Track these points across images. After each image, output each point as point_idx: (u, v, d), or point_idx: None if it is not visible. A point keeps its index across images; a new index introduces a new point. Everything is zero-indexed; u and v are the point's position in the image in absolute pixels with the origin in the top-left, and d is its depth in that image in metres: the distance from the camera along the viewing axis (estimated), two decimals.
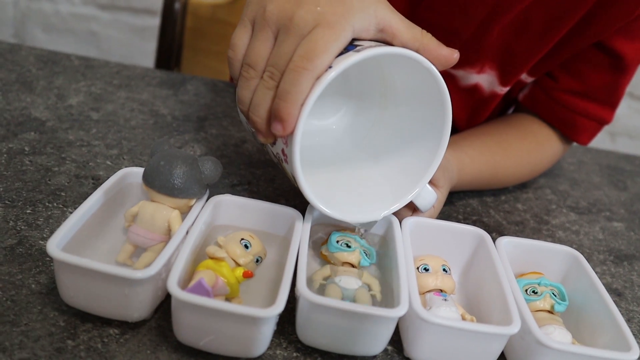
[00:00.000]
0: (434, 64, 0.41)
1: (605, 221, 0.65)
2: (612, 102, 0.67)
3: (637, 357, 0.39)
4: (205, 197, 0.44)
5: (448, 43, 0.60)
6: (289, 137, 0.39)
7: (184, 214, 0.42)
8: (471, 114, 0.69)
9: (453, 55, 0.42)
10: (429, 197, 0.47)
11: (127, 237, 0.41)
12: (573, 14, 0.59)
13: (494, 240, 0.48)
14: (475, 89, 0.66)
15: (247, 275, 0.40)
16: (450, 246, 0.49)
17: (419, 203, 0.47)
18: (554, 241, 0.58)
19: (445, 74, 0.65)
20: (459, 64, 0.64)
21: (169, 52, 1.05)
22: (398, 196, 0.46)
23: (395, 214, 0.47)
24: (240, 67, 0.40)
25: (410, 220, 0.48)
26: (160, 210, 0.41)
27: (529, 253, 0.49)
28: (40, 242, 0.44)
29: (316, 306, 0.36)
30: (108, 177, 0.45)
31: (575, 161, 0.79)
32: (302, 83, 0.37)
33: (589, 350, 0.39)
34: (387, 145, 0.49)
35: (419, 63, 0.40)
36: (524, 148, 0.66)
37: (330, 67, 0.38)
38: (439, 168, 0.47)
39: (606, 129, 1.49)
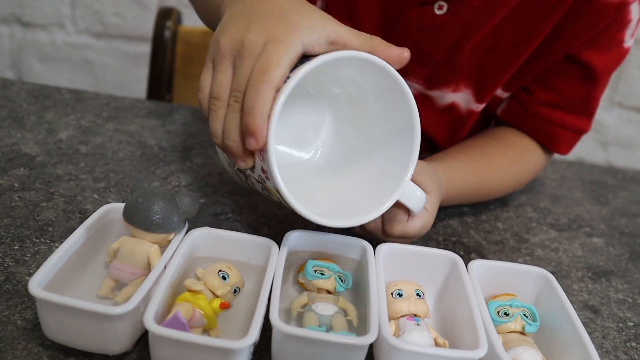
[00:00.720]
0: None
1: (585, 237, 0.66)
2: (588, 112, 0.68)
3: None
4: (184, 230, 0.46)
5: (422, 65, 0.62)
6: (264, 152, 0.40)
7: (164, 248, 0.44)
8: (451, 132, 0.70)
9: (404, 53, 0.45)
10: (416, 197, 0.48)
11: (109, 271, 0.43)
12: (540, 29, 0.62)
13: (472, 259, 0.49)
14: (452, 107, 0.68)
15: (224, 307, 0.41)
16: (424, 271, 0.50)
17: (409, 204, 0.48)
18: (532, 259, 0.60)
19: (421, 96, 0.67)
20: (435, 85, 0.66)
21: (160, 79, 1.07)
22: (383, 198, 0.47)
23: (389, 223, 0.49)
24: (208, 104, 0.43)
25: (385, 247, 0.49)
26: (140, 245, 0.43)
27: (502, 275, 0.50)
28: (27, 278, 0.46)
29: (288, 336, 0.38)
30: (95, 211, 0.46)
31: (558, 177, 0.80)
32: (264, 95, 0.40)
33: None
34: (366, 151, 0.51)
35: (373, 62, 0.42)
36: (507, 159, 0.68)
37: (288, 78, 0.41)
38: (424, 174, 0.49)
39: (598, 139, 1.51)
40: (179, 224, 0.44)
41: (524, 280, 0.50)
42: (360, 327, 0.44)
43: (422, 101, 0.67)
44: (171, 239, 0.44)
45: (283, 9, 0.43)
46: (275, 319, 0.38)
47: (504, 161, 0.67)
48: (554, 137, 0.68)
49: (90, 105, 0.77)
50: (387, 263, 0.49)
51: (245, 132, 0.40)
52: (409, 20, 0.62)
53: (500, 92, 0.68)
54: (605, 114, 1.50)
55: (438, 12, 0.61)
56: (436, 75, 0.65)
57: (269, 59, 0.40)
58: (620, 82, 1.46)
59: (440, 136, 0.71)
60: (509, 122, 0.70)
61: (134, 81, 1.44)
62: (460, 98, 0.67)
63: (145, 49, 1.40)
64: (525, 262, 0.58)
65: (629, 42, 0.64)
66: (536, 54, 0.63)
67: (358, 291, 0.48)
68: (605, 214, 0.72)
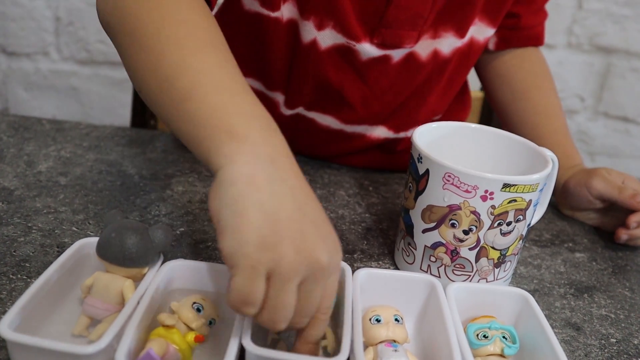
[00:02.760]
0: None
1: (567, 253, 0.66)
2: (544, 2, 0.78)
3: None
4: (159, 263, 0.45)
5: (414, 27, 0.67)
6: None
7: (138, 282, 0.44)
8: (436, 79, 0.73)
9: None
10: None
11: (83, 309, 0.43)
12: None
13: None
14: (435, 54, 0.71)
15: (199, 340, 0.41)
16: (403, 295, 0.50)
17: None
18: (514, 277, 0.60)
19: (410, 56, 0.69)
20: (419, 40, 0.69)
21: (144, 105, 1.07)
22: None
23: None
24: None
25: (362, 272, 0.49)
26: (114, 281, 0.43)
27: (481, 297, 0.50)
28: (2, 316, 0.45)
29: (259, 357, 0.38)
30: (72, 243, 0.46)
31: None
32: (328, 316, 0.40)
33: None
34: None
35: None
36: (548, 90, 0.79)
37: None
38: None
39: (585, 149, 1.51)
40: (152, 257, 0.44)
41: (503, 302, 0.50)
42: (336, 352, 0.43)
43: (410, 60, 0.70)
44: (145, 273, 0.44)
45: (319, 213, 0.40)
46: (247, 342, 0.38)
47: (554, 93, 0.78)
48: (541, 34, 0.79)
49: (70, 135, 0.77)
50: (365, 288, 0.48)
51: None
52: None
53: (485, 30, 0.73)
54: (590, 124, 1.51)
55: None
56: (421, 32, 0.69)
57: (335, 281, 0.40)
58: (604, 92, 1.47)
59: (432, 90, 0.74)
60: (505, 48, 0.78)
61: (120, 106, 1.44)
62: (442, 43, 0.70)
63: None
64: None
65: None
66: None
67: (337, 316, 0.48)
68: (588, 228, 0.72)
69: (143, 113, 1.07)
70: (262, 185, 0.37)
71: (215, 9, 0.74)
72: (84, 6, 1.36)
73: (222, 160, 0.38)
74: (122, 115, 1.45)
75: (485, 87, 0.83)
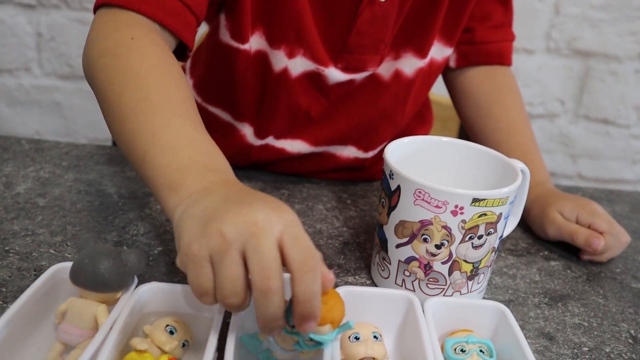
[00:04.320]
0: None
1: (543, 261, 0.67)
2: (510, 22, 0.80)
3: None
4: (133, 286, 0.46)
5: (377, 53, 0.69)
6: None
7: (112, 306, 0.44)
8: (403, 100, 0.75)
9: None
10: None
11: (57, 335, 0.43)
12: None
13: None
14: (397, 75, 0.72)
15: None
16: (382, 312, 0.50)
17: None
18: (490, 288, 0.60)
19: (373, 78, 0.71)
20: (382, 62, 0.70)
21: None
22: None
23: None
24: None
25: (341, 290, 0.50)
26: (88, 306, 0.43)
27: (458, 311, 0.51)
28: None
29: None
30: (50, 266, 0.47)
31: None
32: (319, 277, 0.37)
33: None
34: None
35: None
36: (515, 108, 0.78)
37: None
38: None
39: (567, 152, 1.53)
40: (126, 281, 0.44)
41: (480, 315, 0.51)
42: None
43: (374, 82, 0.72)
44: (119, 297, 0.44)
45: (271, 202, 0.40)
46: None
47: (519, 109, 0.78)
48: (504, 52, 0.79)
49: (50, 155, 0.77)
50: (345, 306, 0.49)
51: (304, 318, 0.37)
52: (363, 17, 0.65)
53: (444, 50, 0.74)
54: (571, 127, 1.52)
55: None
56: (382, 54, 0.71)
57: (308, 244, 0.37)
58: (584, 95, 1.49)
59: (398, 110, 0.75)
60: (466, 65, 0.79)
61: (104, 121, 1.44)
62: (404, 63, 0.72)
63: None
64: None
65: None
66: (457, 0, 0.71)
67: None
68: None
69: None
70: (191, 206, 0.41)
71: (200, 41, 0.75)
72: (65, 21, 1.37)
73: (170, 213, 0.43)
74: (106, 130, 1.45)
75: (453, 103, 0.84)
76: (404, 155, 0.59)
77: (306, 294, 0.36)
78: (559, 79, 1.46)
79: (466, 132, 0.84)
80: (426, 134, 0.88)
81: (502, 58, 0.79)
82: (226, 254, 0.37)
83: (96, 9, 0.57)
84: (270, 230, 0.37)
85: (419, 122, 0.85)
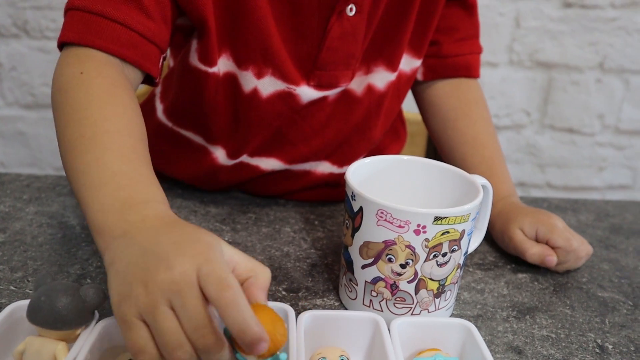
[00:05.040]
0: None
1: (510, 274, 0.67)
2: (477, 35, 0.81)
3: None
4: (94, 322, 0.45)
5: (348, 67, 0.69)
6: None
7: (72, 343, 0.43)
8: (374, 112, 0.75)
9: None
10: None
11: None
12: None
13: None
14: (369, 89, 0.73)
15: None
16: (349, 335, 0.50)
17: None
18: (458, 304, 0.60)
19: (346, 94, 0.72)
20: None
21: None
22: None
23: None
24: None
25: (307, 315, 0.49)
26: (46, 345, 0.42)
27: (425, 330, 0.51)
28: None
29: None
30: (10, 303, 0.45)
31: None
32: (242, 304, 0.37)
33: None
34: None
35: None
36: (481, 121, 0.79)
37: None
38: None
39: (535, 162, 1.55)
40: (85, 318, 0.43)
41: (447, 333, 0.51)
42: None
43: (346, 97, 0.73)
44: (79, 334, 0.43)
45: (183, 236, 0.41)
46: None
47: (484, 122, 0.79)
48: (472, 65, 0.80)
49: (10, 188, 0.76)
50: (310, 330, 0.49)
51: (251, 345, 0.37)
52: (333, 33, 0.66)
53: (412, 62, 0.75)
54: (538, 137, 1.54)
55: (350, 14, 0.66)
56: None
57: (220, 276, 0.37)
58: (548, 105, 1.51)
59: (371, 124, 0.76)
60: (433, 78, 0.80)
61: None
62: (375, 77, 0.72)
63: None
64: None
65: None
66: (425, 10, 0.72)
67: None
68: None
69: None
70: (116, 259, 0.41)
71: (171, 62, 0.75)
72: (26, 50, 1.35)
73: (100, 252, 0.44)
74: None
75: (422, 116, 0.84)
76: (367, 175, 0.59)
77: (236, 326, 0.36)
78: (523, 91, 1.48)
79: (434, 145, 0.84)
80: (400, 149, 0.88)
81: (469, 71, 0.80)
82: (156, 311, 0.37)
83: (60, 47, 0.58)
84: (190, 283, 0.37)
85: (393, 138, 0.85)
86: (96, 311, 0.46)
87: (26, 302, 0.46)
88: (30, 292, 0.56)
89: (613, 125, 1.54)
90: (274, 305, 0.49)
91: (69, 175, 0.50)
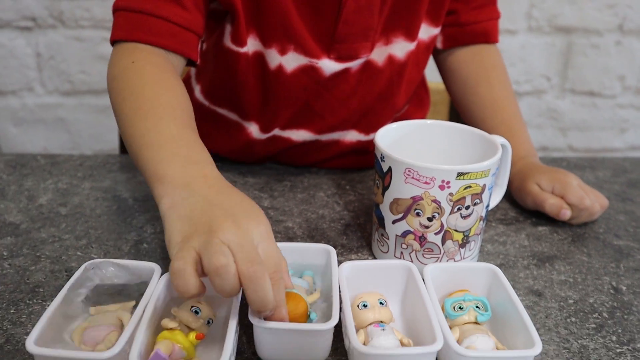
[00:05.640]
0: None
1: (531, 227, 0.72)
2: (494, 1, 0.84)
3: (539, 351, 0.46)
4: (158, 275, 0.51)
5: (367, 39, 0.74)
6: None
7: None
8: (397, 81, 0.80)
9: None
10: None
11: (83, 343, 0.47)
12: None
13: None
14: (391, 59, 0.78)
15: (200, 337, 0.47)
16: (385, 281, 0.56)
17: None
18: (482, 255, 0.66)
19: (368, 65, 0.76)
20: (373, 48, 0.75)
21: None
22: None
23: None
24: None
25: (346, 265, 0.55)
26: (108, 311, 0.49)
27: (454, 274, 0.56)
28: (25, 337, 0.51)
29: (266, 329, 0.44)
30: (79, 267, 0.52)
31: None
32: (282, 286, 0.46)
33: (497, 353, 0.47)
34: None
35: None
36: (500, 83, 0.83)
37: None
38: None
39: (556, 126, 1.58)
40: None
41: (475, 276, 0.56)
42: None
43: (368, 68, 0.77)
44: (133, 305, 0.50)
45: (245, 202, 0.49)
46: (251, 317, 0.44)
47: (503, 86, 0.83)
48: (489, 31, 0.84)
49: (65, 167, 0.82)
50: (350, 279, 0.54)
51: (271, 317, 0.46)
52: (348, 7, 0.70)
53: (430, 30, 0.79)
54: (559, 102, 1.57)
55: None
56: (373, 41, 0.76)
57: (277, 257, 0.46)
58: (568, 70, 1.53)
59: (394, 92, 0.80)
60: (453, 46, 0.84)
61: (107, 132, 1.50)
62: (395, 48, 0.77)
63: None
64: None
65: None
66: None
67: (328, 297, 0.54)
68: None
69: None
70: (178, 204, 0.49)
71: (204, 46, 0.80)
72: (62, 40, 1.42)
73: (157, 199, 0.51)
74: (110, 140, 1.51)
75: (444, 83, 0.89)
76: (394, 139, 0.64)
77: (274, 300, 0.44)
78: (543, 56, 1.51)
79: (456, 109, 0.89)
80: (424, 116, 0.93)
81: (487, 37, 0.83)
82: (212, 247, 0.44)
83: (112, 43, 0.66)
84: (251, 241, 0.45)
85: (417, 105, 0.90)
86: (158, 266, 0.52)
87: (96, 260, 0.52)
88: (94, 256, 0.63)
89: (634, 87, 1.56)
90: (318, 245, 0.57)
91: (128, 141, 0.57)
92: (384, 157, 0.58)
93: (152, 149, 0.53)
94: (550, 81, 1.54)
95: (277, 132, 0.79)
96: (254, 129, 0.79)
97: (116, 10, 0.66)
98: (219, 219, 0.45)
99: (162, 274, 0.52)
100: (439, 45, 0.84)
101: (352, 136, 0.81)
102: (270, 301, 0.44)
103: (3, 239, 0.65)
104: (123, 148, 1.10)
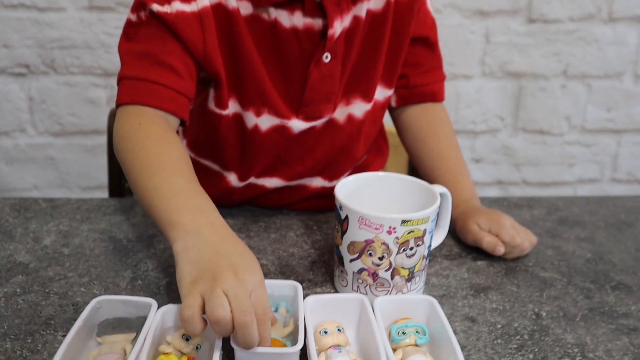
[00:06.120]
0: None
1: (471, 262, 0.84)
2: (440, 65, 0.97)
3: None
4: (155, 309, 0.62)
5: (330, 102, 0.86)
6: None
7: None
8: (354, 138, 0.92)
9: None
10: None
11: None
12: (384, 39, 0.87)
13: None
14: (350, 118, 0.90)
15: None
16: (343, 311, 0.66)
17: None
18: (427, 287, 0.77)
19: (331, 122, 0.89)
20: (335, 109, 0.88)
21: (118, 171, 1.23)
22: None
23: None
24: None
25: (311, 298, 0.66)
26: (115, 341, 0.60)
27: (400, 305, 0.67)
28: None
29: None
30: (84, 301, 0.62)
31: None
32: (267, 329, 0.57)
33: None
34: None
35: None
36: (446, 136, 0.96)
37: None
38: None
39: (510, 161, 1.72)
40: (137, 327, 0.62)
41: (417, 307, 0.68)
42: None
43: (331, 125, 0.89)
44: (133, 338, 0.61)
45: (245, 253, 0.61)
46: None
47: (448, 139, 0.95)
48: (436, 91, 0.96)
49: (64, 210, 0.93)
50: (314, 310, 0.65)
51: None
52: (313, 77, 0.83)
53: (385, 92, 0.92)
54: (512, 140, 1.71)
55: (326, 60, 0.83)
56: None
57: (265, 304, 0.57)
58: (520, 110, 1.68)
59: (354, 146, 0.93)
60: (404, 104, 0.96)
61: (94, 169, 1.60)
62: (354, 108, 0.89)
63: (100, 140, 1.56)
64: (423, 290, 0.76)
65: (432, 12, 0.93)
66: (392, 52, 0.89)
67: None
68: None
69: (119, 177, 1.23)
70: (190, 248, 0.60)
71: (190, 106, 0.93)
72: (53, 85, 1.52)
73: (171, 241, 0.62)
74: (97, 178, 1.61)
75: (398, 135, 1.01)
76: (352, 189, 0.76)
77: (243, 343, 0.55)
78: (497, 99, 1.65)
79: (410, 159, 1.01)
80: (384, 162, 1.05)
81: (434, 97, 0.96)
82: (214, 290, 0.56)
83: (117, 107, 0.77)
84: (246, 291, 0.57)
85: (376, 153, 1.02)
86: (155, 301, 0.63)
87: (104, 296, 0.63)
88: (97, 292, 0.73)
89: (579, 125, 1.71)
90: (288, 282, 0.68)
91: (140, 195, 0.68)
92: (342, 207, 0.70)
93: (165, 200, 0.65)
94: (504, 121, 1.69)
95: (252, 180, 0.91)
96: (233, 178, 0.91)
97: (122, 78, 0.77)
98: (221, 268, 0.57)
99: (158, 308, 0.63)
100: (393, 103, 0.97)
101: (317, 182, 0.93)
102: (255, 343, 0.56)
103: (15, 277, 0.75)
104: (112, 189, 1.20)
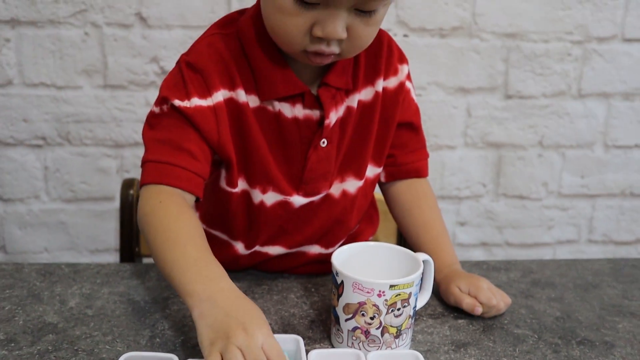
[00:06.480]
0: None
1: (452, 320, 0.94)
2: (424, 145, 1.08)
3: None
4: None
5: (326, 180, 0.98)
6: None
7: None
8: (348, 213, 1.03)
9: None
10: None
11: None
12: (373, 124, 0.98)
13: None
14: (344, 194, 1.01)
15: None
16: None
17: None
18: (414, 342, 0.87)
19: (327, 197, 1.00)
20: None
21: (130, 236, 1.33)
22: None
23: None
24: None
25: (313, 353, 0.76)
26: None
27: (389, 359, 0.78)
28: None
29: None
30: (109, 357, 0.72)
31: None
32: None
33: None
34: None
35: None
36: (429, 207, 1.06)
37: None
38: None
39: (493, 224, 1.84)
40: None
41: None
42: None
43: (327, 200, 1.00)
44: None
45: (253, 311, 0.73)
46: None
47: (432, 210, 1.05)
48: (420, 168, 1.07)
49: (85, 275, 1.02)
50: None
51: None
52: (312, 159, 0.94)
53: (375, 169, 1.03)
54: (494, 204, 1.83)
55: (323, 145, 0.94)
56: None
57: (278, 350, 0.68)
58: (500, 177, 1.81)
59: (347, 217, 1.03)
60: (392, 180, 1.07)
61: (104, 234, 1.70)
62: (347, 184, 1.01)
63: (110, 206, 1.67)
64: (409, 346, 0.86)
65: (416, 99, 1.04)
66: (381, 136, 1.00)
67: None
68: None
69: (129, 242, 1.33)
70: (205, 314, 0.71)
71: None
72: (68, 156, 1.64)
73: (189, 308, 0.74)
74: (105, 241, 1.70)
75: (387, 206, 1.13)
76: (346, 257, 0.86)
77: None
78: (479, 167, 1.78)
79: (398, 228, 1.13)
80: (374, 231, 1.16)
81: (419, 173, 1.07)
82: (230, 346, 0.67)
83: (141, 186, 0.89)
84: (258, 346, 0.68)
85: (368, 222, 1.13)
86: (176, 357, 0.73)
87: (134, 353, 0.72)
88: (120, 349, 0.82)
89: (556, 191, 1.84)
90: (291, 336, 0.79)
91: (162, 266, 0.79)
92: (338, 273, 0.81)
93: (181, 272, 0.76)
94: (486, 187, 1.81)
95: (257, 248, 1.02)
96: (240, 247, 1.02)
97: (146, 162, 0.88)
98: (232, 327, 0.68)
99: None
100: (382, 179, 1.08)
101: (315, 249, 1.04)
102: None
103: (46, 336, 0.85)
104: (123, 253, 1.30)
